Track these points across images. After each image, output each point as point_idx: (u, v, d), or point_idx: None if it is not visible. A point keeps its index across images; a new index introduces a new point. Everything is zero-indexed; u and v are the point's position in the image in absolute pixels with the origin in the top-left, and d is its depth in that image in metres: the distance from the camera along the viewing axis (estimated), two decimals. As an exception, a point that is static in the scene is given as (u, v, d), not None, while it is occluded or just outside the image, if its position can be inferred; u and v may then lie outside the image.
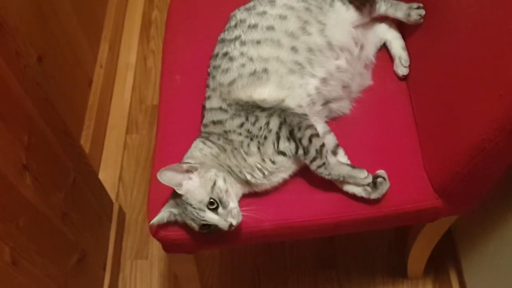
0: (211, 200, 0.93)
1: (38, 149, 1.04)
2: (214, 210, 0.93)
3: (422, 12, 1.09)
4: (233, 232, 0.99)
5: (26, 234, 0.98)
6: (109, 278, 1.39)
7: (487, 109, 0.84)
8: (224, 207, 0.93)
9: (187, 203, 0.93)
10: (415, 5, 1.11)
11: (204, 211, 0.93)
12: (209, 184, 0.94)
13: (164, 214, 0.97)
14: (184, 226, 0.99)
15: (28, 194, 0.99)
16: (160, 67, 1.87)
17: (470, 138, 0.88)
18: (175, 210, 0.97)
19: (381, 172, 0.99)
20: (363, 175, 0.97)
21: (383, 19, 1.16)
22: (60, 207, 1.14)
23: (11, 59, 0.96)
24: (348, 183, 0.99)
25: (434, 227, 1.17)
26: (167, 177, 0.92)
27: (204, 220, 0.93)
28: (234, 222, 0.93)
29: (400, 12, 1.13)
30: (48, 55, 1.35)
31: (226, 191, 0.95)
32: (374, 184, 0.98)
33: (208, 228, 0.94)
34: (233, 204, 0.95)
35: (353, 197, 1.00)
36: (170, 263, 1.37)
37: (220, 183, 0.95)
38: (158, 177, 0.91)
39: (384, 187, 0.98)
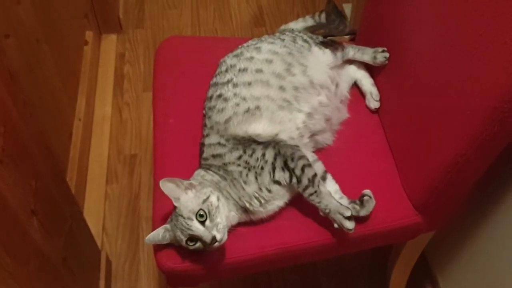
0: (201, 211, 0.98)
1: (42, 195, 1.07)
2: (202, 223, 0.98)
3: (387, 54, 1.24)
4: (237, 260, 1.05)
5: (35, 277, 0.99)
6: (102, 326, 1.39)
7: (457, 129, 0.96)
8: (212, 220, 0.98)
9: (179, 214, 0.99)
10: (380, 49, 1.25)
11: (192, 220, 0.97)
12: (202, 197, 1.00)
13: (159, 230, 1.01)
14: (189, 256, 1.03)
15: (37, 238, 1.01)
16: (135, 117, 1.96)
17: (444, 155, 1.00)
18: (168, 226, 1.01)
19: (367, 191, 1.09)
20: (347, 213, 1.02)
21: (353, 61, 1.30)
22: (61, 252, 1.15)
23: (20, 108, 1.01)
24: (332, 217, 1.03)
25: (413, 245, 1.27)
26: (168, 187, 0.99)
27: (190, 230, 0.97)
28: (218, 236, 0.96)
29: (366, 56, 1.27)
30: (36, 108, 1.39)
31: (217, 207, 1.00)
32: (362, 202, 1.08)
33: (195, 244, 0.98)
34: (220, 220, 0.99)
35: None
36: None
37: (213, 199, 1.00)
38: (161, 185, 0.98)
39: (371, 204, 1.08)
